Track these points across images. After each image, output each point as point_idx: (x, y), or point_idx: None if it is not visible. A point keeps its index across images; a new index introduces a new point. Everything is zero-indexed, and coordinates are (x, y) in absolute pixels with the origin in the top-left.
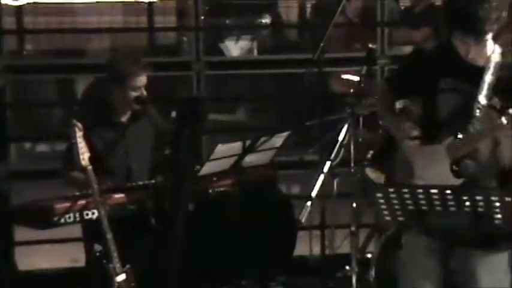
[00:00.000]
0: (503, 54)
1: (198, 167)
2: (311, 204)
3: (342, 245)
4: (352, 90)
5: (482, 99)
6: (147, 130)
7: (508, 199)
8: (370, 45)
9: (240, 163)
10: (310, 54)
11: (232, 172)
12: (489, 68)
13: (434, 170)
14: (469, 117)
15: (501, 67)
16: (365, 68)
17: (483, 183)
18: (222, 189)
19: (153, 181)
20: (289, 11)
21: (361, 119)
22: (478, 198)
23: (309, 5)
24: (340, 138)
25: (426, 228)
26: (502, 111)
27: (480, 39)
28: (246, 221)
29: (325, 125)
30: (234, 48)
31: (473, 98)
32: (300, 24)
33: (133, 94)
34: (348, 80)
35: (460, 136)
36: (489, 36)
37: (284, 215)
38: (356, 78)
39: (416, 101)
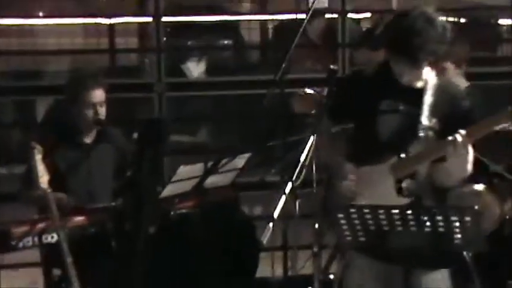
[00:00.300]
0: (439, 77)
1: (159, 188)
2: (273, 225)
3: (305, 266)
4: (314, 111)
5: (424, 120)
6: (110, 152)
7: (467, 218)
8: (331, 66)
9: (202, 184)
10: (272, 75)
11: (194, 193)
12: (428, 89)
13: (378, 189)
14: (413, 137)
15: (439, 88)
16: (326, 88)
17: (425, 202)
18: (184, 210)
19: (114, 203)
20: (251, 32)
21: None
22: (438, 217)
23: (270, 26)
24: (302, 158)
25: (386, 249)
26: (441, 133)
27: (414, 66)
28: (209, 242)
29: (287, 145)
30: (196, 69)
31: (416, 118)
32: (262, 45)
33: (90, 112)
34: (310, 94)
35: (403, 156)
36: (424, 63)
37: (246, 236)
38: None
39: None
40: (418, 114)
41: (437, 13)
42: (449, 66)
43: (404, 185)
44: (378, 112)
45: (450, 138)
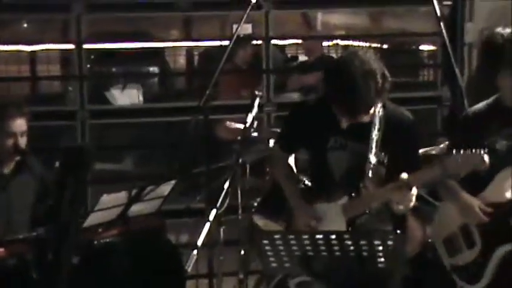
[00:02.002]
0: (384, 105)
1: (83, 217)
2: (197, 252)
3: None
4: (238, 138)
5: (372, 158)
6: (30, 181)
7: (390, 242)
8: (256, 92)
9: (127, 213)
10: (197, 101)
11: (118, 222)
12: (374, 124)
13: (331, 228)
14: (362, 176)
15: (386, 120)
16: (250, 115)
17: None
18: (108, 239)
19: (34, 233)
20: (177, 59)
21: (248, 166)
22: (362, 242)
23: (196, 53)
24: (226, 185)
25: (312, 274)
26: (392, 166)
27: (354, 116)
28: (134, 271)
29: (212, 172)
30: (120, 96)
31: (365, 156)
32: (187, 72)
33: (11, 141)
34: (233, 127)
35: (353, 195)
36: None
37: (172, 264)
38: (242, 126)
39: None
40: (366, 151)
41: (378, 63)
42: None
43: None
44: (327, 149)
45: (396, 183)
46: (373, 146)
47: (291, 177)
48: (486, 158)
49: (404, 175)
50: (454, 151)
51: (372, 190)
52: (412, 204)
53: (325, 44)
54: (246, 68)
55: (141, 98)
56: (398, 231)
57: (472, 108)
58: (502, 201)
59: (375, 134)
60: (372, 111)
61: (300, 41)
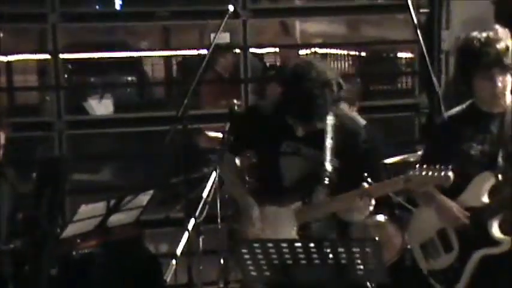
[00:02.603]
0: (338, 116)
1: (60, 228)
2: (176, 262)
3: None
4: (217, 147)
5: (328, 165)
6: (6, 193)
7: (368, 250)
8: (234, 101)
9: (105, 223)
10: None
11: (96, 233)
12: (328, 131)
13: (282, 232)
14: (317, 182)
15: (337, 129)
16: (228, 124)
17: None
18: (86, 250)
19: (12, 245)
20: (155, 68)
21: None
22: (341, 250)
23: (175, 62)
24: (205, 195)
25: (291, 283)
26: (344, 174)
27: (309, 125)
28: (113, 282)
29: (191, 182)
30: (98, 106)
31: (319, 162)
32: (165, 81)
33: None
34: (212, 136)
35: (307, 201)
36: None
37: (151, 274)
38: (220, 135)
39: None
40: (321, 157)
41: (333, 72)
42: (343, 106)
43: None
44: (279, 153)
45: (357, 191)
46: (328, 153)
47: (239, 177)
48: (451, 174)
49: (365, 184)
50: (418, 166)
51: (326, 197)
52: (368, 213)
53: (303, 52)
54: (227, 76)
55: (119, 108)
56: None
57: (448, 113)
58: (478, 205)
59: (328, 142)
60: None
61: (278, 50)
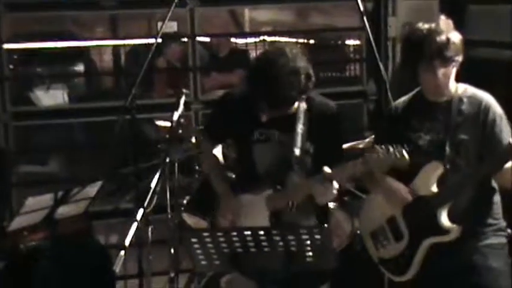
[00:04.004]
0: (309, 97)
1: (7, 221)
2: (126, 253)
3: None
4: (166, 136)
5: (297, 151)
6: None
7: (317, 237)
8: (183, 91)
9: (53, 215)
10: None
11: (44, 225)
12: (299, 117)
13: (254, 220)
14: (288, 168)
15: (310, 111)
16: (177, 113)
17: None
18: (34, 243)
19: None
20: (103, 58)
21: (176, 164)
22: (290, 237)
23: (123, 51)
24: (153, 185)
25: (243, 271)
26: (318, 157)
27: (274, 110)
28: (62, 275)
29: (140, 172)
30: (45, 97)
31: (290, 149)
32: (114, 71)
33: None
34: (161, 126)
35: (279, 188)
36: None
37: (101, 266)
38: (169, 124)
39: (231, 145)
40: (292, 143)
41: (304, 62)
42: None
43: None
44: (252, 141)
45: (318, 177)
46: (298, 139)
47: (218, 167)
48: (407, 156)
49: (326, 169)
50: (376, 147)
51: (297, 182)
52: (332, 197)
53: (252, 40)
54: (179, 65)
55: (66, 99)
56: (325, 225)
57: (396, 103)
58: (428, 194)
59: (300, 128)
60: (296, 105)
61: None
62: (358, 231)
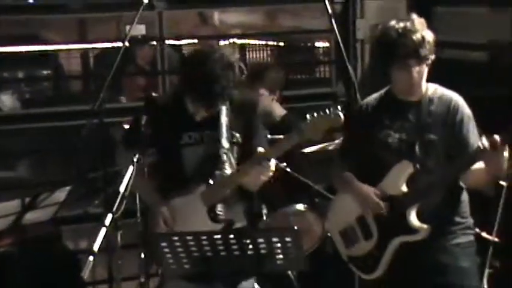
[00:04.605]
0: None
1: None
2: (94, 258)
3: None
4: None
5: (224, 142)
6: None
7: (288, 239)
8: (152, 94)
9: (20, 221)
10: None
11: (11, 231)
12: (221, 110)
13: (192, 219)
14: (218, 162)
15: (235, 107)
16: (145, 117)
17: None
18: (2, 249)
19: None
20: (71, 61)
21: (146, 168)
22: (260, 240)
23: (91, 55)
24: (122, 189)
25: (212, 274)
26: (244, 146)
27: (210, 108)
28: (30, 282)
29: (109, 176)
30: (11, 102)
31: (218, 141)
32: (82, 75)
33: None
34: None
35: (211, 182)
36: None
37: (69, 272)
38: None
39: (150, 153)
40: (217, 136)
41: (236, 56)
42: (264, 92)
43: (218, 211)
44: (181, 146)
45: (254, 158)
46: (224, 130)
47: (142, 178)
48: (341, 114)
49: (260, 149)
50: (308, 115)
51: (229, 172)
52: (270, 173)
53: (221, 43)
54: (149, 69)
55: (33, 103)
56: (296, 228)
57: (365, 101)
58: (397, 194)
59: (223, 120)
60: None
61: (196, 41)
62: (329, 234)
